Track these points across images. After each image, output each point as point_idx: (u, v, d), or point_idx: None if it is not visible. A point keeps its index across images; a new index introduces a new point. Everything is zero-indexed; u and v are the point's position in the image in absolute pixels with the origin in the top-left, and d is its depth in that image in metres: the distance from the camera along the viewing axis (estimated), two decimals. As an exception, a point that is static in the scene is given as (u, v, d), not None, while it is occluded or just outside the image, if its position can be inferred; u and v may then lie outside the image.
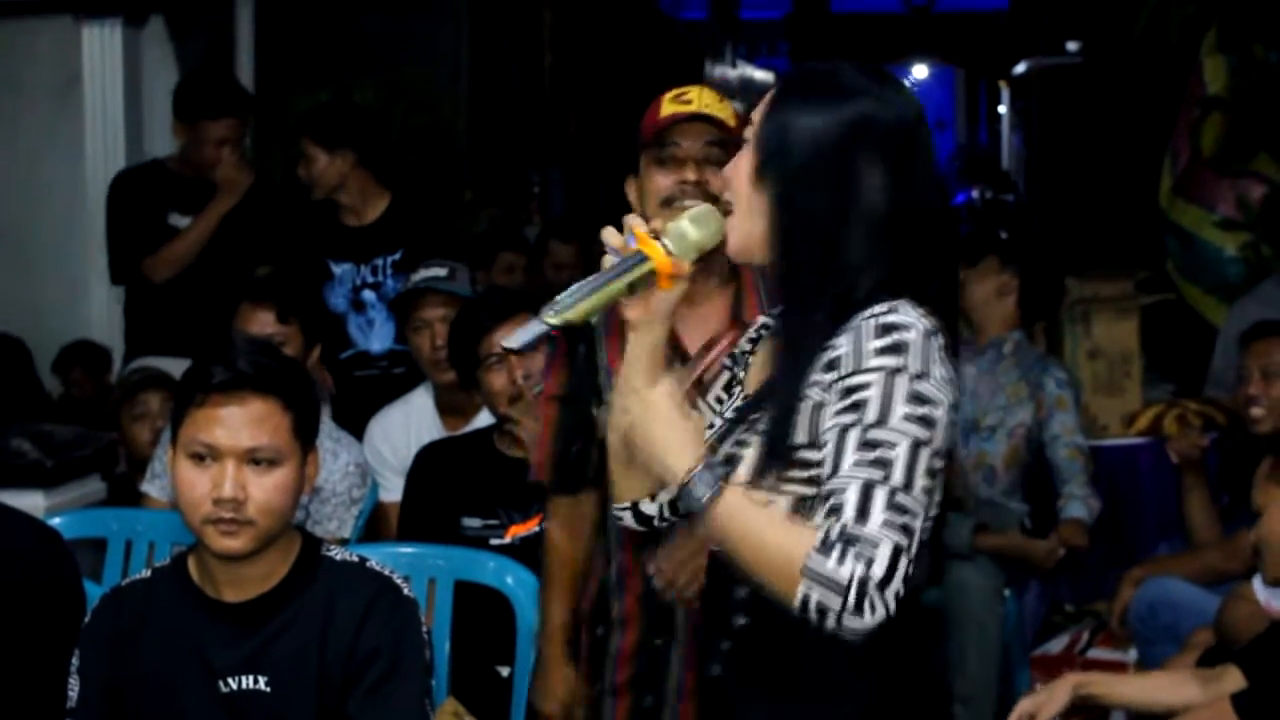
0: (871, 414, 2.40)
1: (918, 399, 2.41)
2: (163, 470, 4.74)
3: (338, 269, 5.96)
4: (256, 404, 3.02)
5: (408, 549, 4.01)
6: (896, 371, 2.41)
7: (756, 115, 2.60)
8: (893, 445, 2.39)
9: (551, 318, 2.50)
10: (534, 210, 11.06)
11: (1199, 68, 7.44)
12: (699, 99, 3.41)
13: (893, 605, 2.34)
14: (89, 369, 7.10)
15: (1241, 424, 5.56)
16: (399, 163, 6.24)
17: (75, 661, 3.17)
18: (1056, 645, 5.70)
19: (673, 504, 2.71)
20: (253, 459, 3.02)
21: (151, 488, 4.83)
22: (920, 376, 2.42)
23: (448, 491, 4.43)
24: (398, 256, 5.93)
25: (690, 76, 14.76)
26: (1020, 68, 18.52)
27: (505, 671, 4.07)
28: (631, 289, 2.55)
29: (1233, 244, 7.19)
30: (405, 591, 3.14)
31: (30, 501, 4.43)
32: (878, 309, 2.46)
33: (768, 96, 2.60)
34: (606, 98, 13.01)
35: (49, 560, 3.34)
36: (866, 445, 2.39)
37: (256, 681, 3.07)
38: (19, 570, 3.26)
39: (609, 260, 2.56)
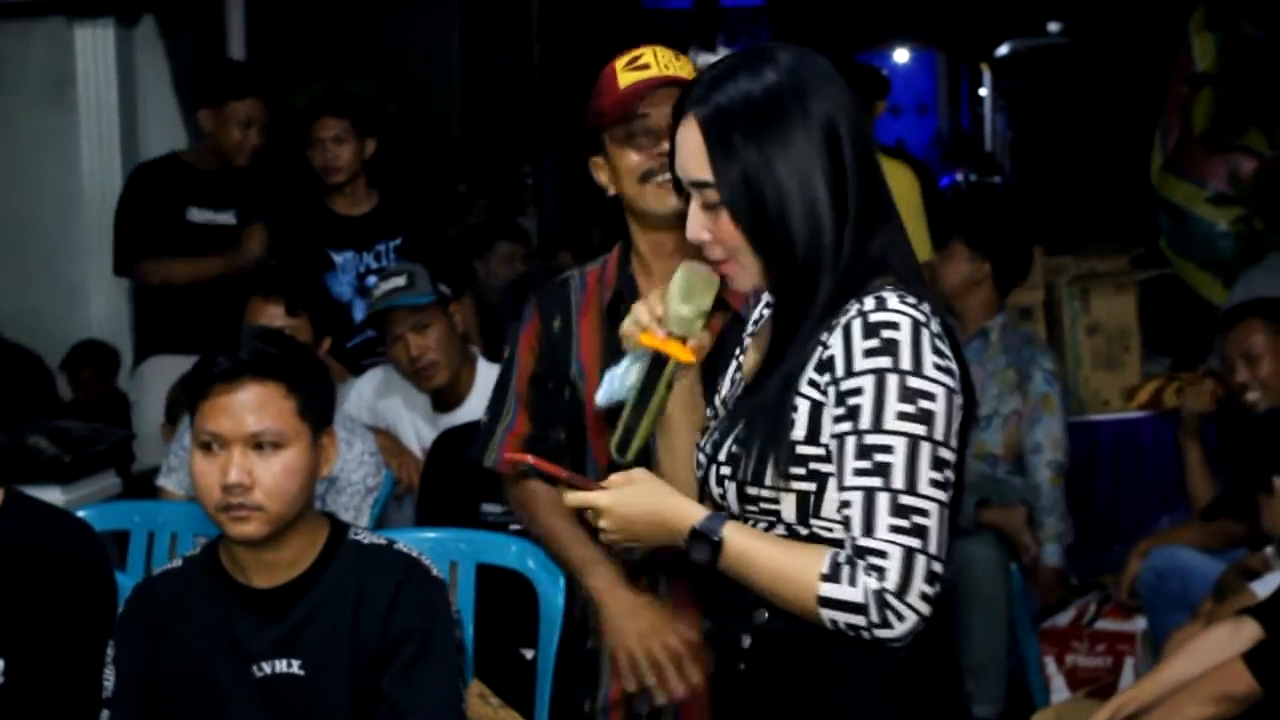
0: (865, 419, 2.41)
1: (910, 396, 2.40)
2: (179, 464, 4.77)
3: (339, 257, 6.01)
4: (257, 389, 3.06)
5: (430, 533, 4.03)
6: (887, 372, 2.40)
7: (698, 167, 2.55)
8: (889, 449, 2.39)
9: (627, 455, 2.64)
10: (529, 200, 11.10)
11: (1188, 45, 7.48)
12: (656, 61, 3.25)
13: (923, 607, 2.38)
14: (99, 370, 7.13)
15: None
16: (391, 156, 6.29)
17: (110, 652, 3.21)
18: (1064, 618, 5.73)
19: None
20: (257, 443, 3.06)
21: (168, 481, 4.85)
22: (912, 372, 2.41)
23: (468, 478, 4.45)
24: (399, 242, 5.99)
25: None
26: (1004, 49, 18.57)
27: (529, 654, 4.09)
28: (669, 386, 2.65)
29: (1225, 219, 7.23)
30: (433, 572, 3.18)
31: (49, 497, 4.43)
32: (867, 304, 2.45)
33: (700, 144, 2.55)
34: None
35: (82, 553, 3.36)
36: (863, 452, 2.41)
37: (290, 665, 3.11)
38: (53, 564, 3.29)
39: (629, 366, 2.65)
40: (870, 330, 2.43)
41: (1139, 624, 5.43)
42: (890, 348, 2.41)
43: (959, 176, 22.00)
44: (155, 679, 3.16)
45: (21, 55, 7.41)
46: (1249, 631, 3.88)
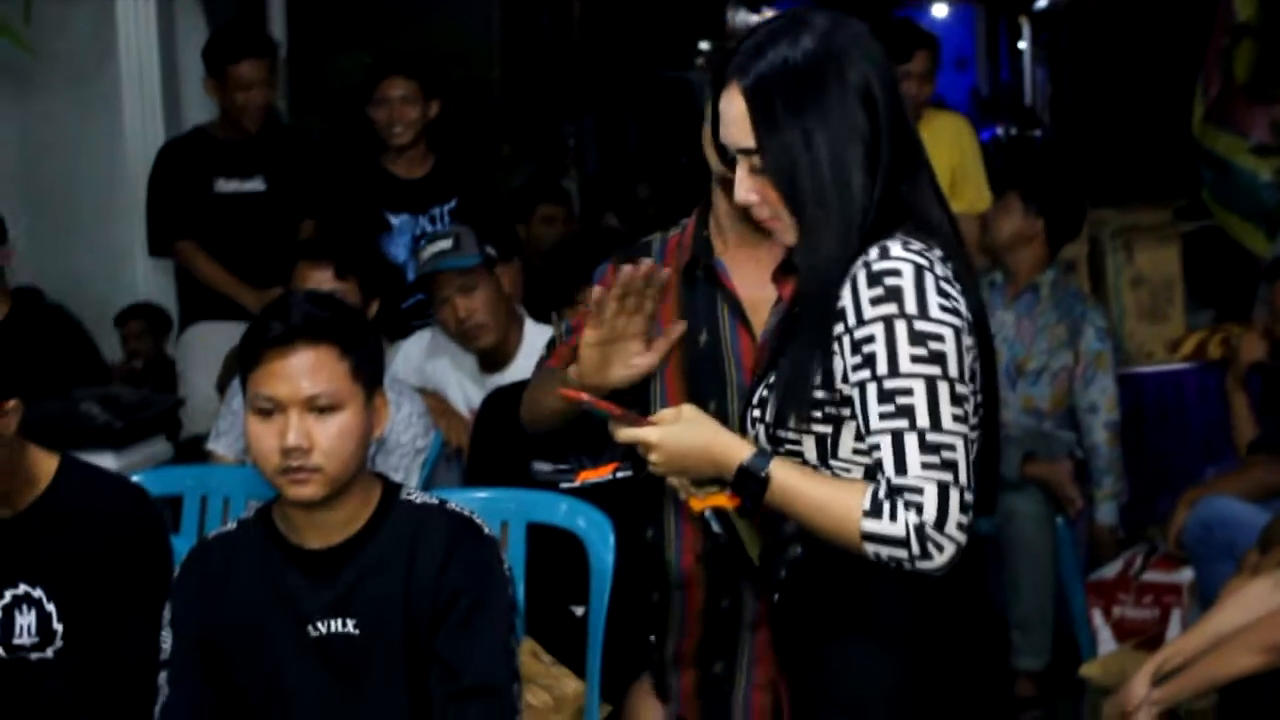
0: (882, 366, 2.52)
1: (920, 339, 2.52)
2: (227, 428, 4.81)
3: (395, 220, 6.05)
4: (311, 353, 3.07)
5: (480, 493, 4.06)
6: (894, 318, 2.52)
7: (743, 135, 2.65)
8: (909, 391, 2.52)
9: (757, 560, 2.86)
10: (569, 162, 11.10)
11: (1228, -5, 7.46)
12: None
13: (960, 536, 2.51)
14: (151, 324, 7.15)
15: (1282, 349, 5.59)
16: (435, 119, 6.29)
17: (167, 614, 3.23)
18: (1111, 570, 5.73)
19: None
20: (314, 406, 3.07)
21: (218, 445, 4.89)
22: (918, 316, 2.52)
23: (518, 436, 4.46)
24: (453, 205, 6.02)
25: (714, 22, 14.77)
26: (1043, 2, 18.47)
27: (579, 611, 4.12)
28: (740, 514, 2.80)
29: (1267, 169, 7.20)
30: (485, 531, 3.20)
31: (102, 463, 4.45)
32: (871, 254, 2.57)
33: (744, 113, 2.65)
34: (635, 47, 13.02)
35: (137, 516, 3.41)
36: (885, 397, 2.53)
37: (345, 624, 3.13)
38: (109, 528, 3.33)
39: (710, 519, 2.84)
40: (874, 279, 2.55)
41: (1186, 575, 5.42)
42: (894, 294, 2.53)
43: (999, 130, 21.91)
44: (212, 641, 3.19)
45: (64, 26, 7.42)
46: None
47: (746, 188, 2.68)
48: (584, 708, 3.94)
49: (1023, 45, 26.53)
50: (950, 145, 6.54)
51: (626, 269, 3.05)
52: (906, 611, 2.67)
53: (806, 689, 2.81)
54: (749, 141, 2.64)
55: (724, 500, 2.75)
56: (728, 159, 2.72)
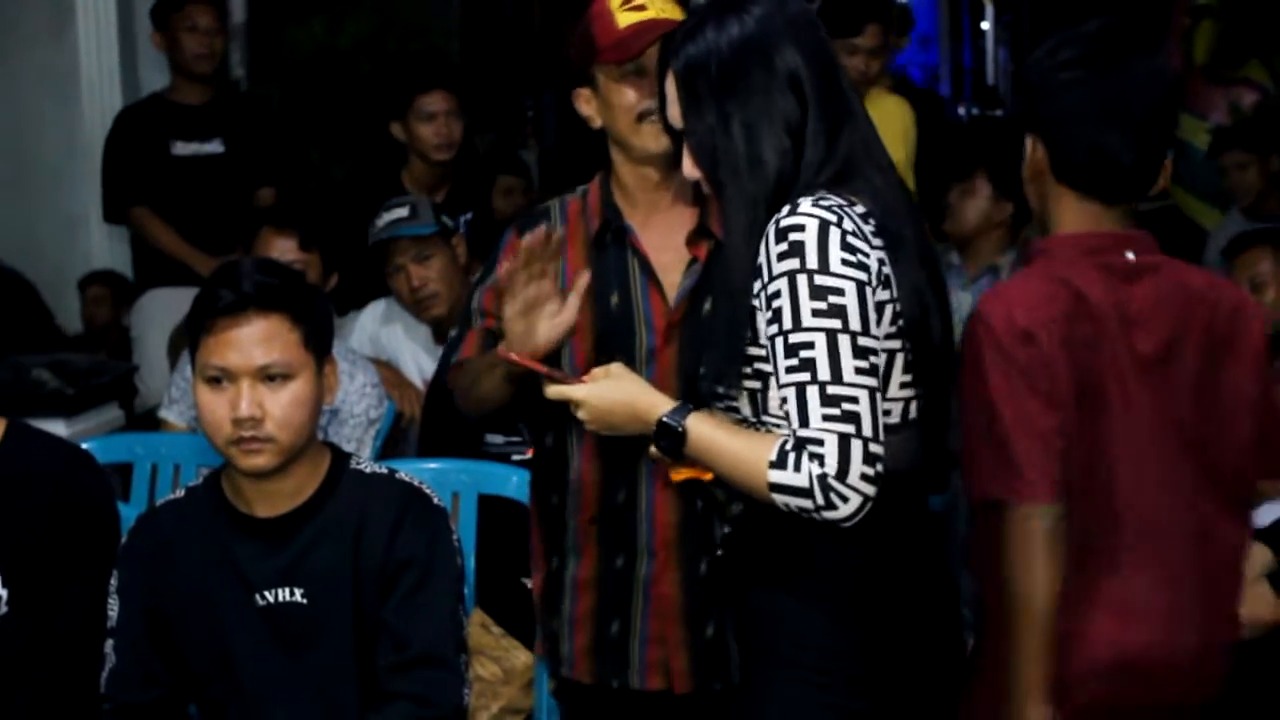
0: (787, 320, 2.60)
1: (820, 293, 2.58)
2: (180, 395, 4.79)
3: None
4: (263, 322, 3.06)
5: (432, 464, 4.05)
6: (796, 273, 2.59)
7: (678, 117, 2.82)
8: (810, 345, 2.58)
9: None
10: (529, 134, 11.06)
11: (1189, -24, 7.49)
12: (653, 3, 3.25)
13: (865, 487, 2.57)
14: (114, 291, 7.10)
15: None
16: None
17: (114, 582, 3.22)
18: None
19: None
20: (266, 376, 3.06)
21: (170, 413, 4.86)
22: (818, 271, 2.59)
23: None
24: (469, 216, 5.92)
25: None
26: (1006, -18, 18.48)
27: (530, 583, 4.11)
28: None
29: (1226, 151, 7.23)
30: (435, 501, 3.20)
31: (52, 430, 4.46)
32: (783, 212, 2.65)
33: (676, 97, 2.81)
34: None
35: (85, 483, 3.37)
36: (790, 351, 2.60)
37: (293, 593, 3.13)
38: (56, 493, 3.30)
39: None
40: (780, 235, 2.63)
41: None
42: (797, 249, 2.61)
43: (960, 110, 21.91)
44: (159, 609, 3.18)
45: (21, -6, 7.39)
46: (1260, 557, 3.89)
47: (690, 164, 2.80)
48: (534, 680, 3.94)
49: (985, 25, 26.55)
50: (894, 138, 6.44)
51: (527, 238, 3.03)
52: (835, 561, 2.73)
53: (742, 640, 2.91)
54: (682, 124, 2.79)
55: (700, 473, 2.83)
56: (675, 136, 2.85)
